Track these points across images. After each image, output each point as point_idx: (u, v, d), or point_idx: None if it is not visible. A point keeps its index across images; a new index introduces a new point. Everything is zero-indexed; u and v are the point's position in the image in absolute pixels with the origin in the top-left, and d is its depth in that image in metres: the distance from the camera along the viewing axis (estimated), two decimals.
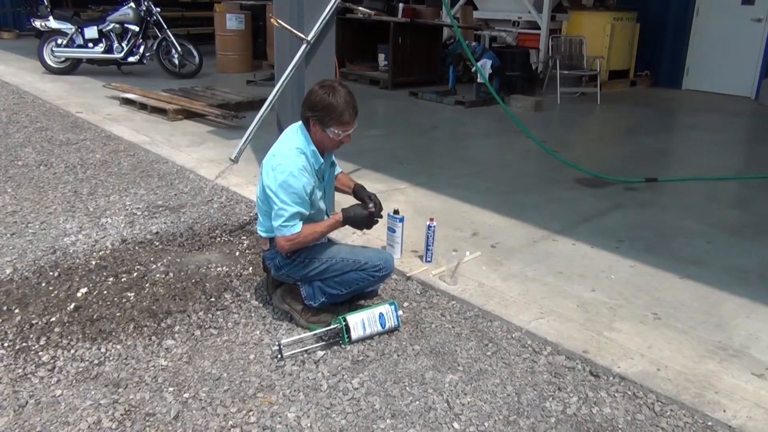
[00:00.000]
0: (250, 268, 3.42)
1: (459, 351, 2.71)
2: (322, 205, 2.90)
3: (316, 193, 2.78)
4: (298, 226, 2.67)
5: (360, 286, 2.89)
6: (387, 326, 2.79)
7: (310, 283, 2.86)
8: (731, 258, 3.68)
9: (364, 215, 2.80)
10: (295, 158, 2.66)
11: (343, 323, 2.69)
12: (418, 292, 3.22)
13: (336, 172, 3.11)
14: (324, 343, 2.70)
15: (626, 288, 3.25)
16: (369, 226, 2.85)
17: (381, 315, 2.76)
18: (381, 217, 2.88)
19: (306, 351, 2.66)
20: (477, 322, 2.95)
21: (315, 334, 2.72)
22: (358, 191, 3.04)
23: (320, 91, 2.64)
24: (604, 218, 4.30)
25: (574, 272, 3.42)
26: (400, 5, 10.47)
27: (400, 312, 2.86)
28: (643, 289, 3.25)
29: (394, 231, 3.46)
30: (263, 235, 2.89)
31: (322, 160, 2.78)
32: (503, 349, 2.74)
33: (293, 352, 2.64)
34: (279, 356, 2.60)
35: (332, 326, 2.71)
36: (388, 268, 2.90)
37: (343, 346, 2.70)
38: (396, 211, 3.46)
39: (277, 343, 2.64)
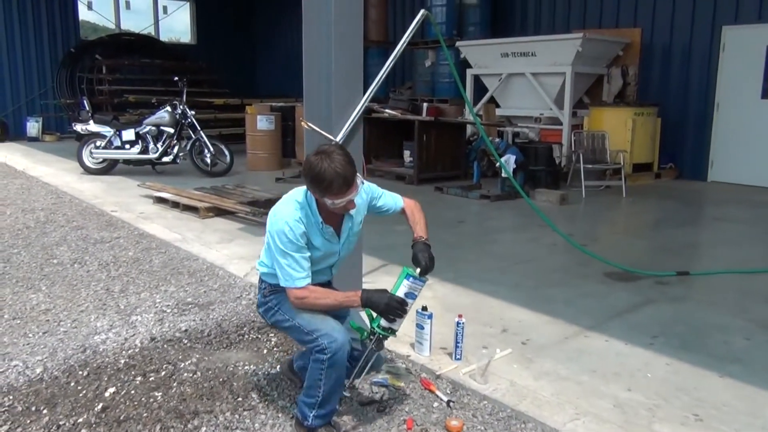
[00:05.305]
0: (278, 367, 3.39)
1: None
2: (323, 265, 2.76)
3: (314, 250, 2.67)
4: (302, 280, 2.57)
5: (323, 380, 2.56)
6: (418, 294, 2.71)
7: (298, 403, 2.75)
8: None
9: (383, 303, 2.55)
10: (294, 210, 2.61)
11: (379, 329, 2.61)
12: (449, 391, 3.14)
13: (390, 210, 2.98)
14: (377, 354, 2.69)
15: (664, 387, 3.14)
16: (387, 317, 2.58)
17: (407, 294, 2.64)
18: (404, 311, 2.62)
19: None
20: (510, 424, 2.86)
21: (365, 359, 2.66)
22: (415, 248, 2.82)
23: (313, 160, 2.49)
24: (637, 313, 4.21)
25: (609, 370, 3.33)
26: (424, 104, 10.83)
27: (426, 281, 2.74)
28: (682, 388, 3.13)
29: (422, 328, 3.43)
30: (257, 267, 2.83)
31: (320, 219, 2.64)
32: None
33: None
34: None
35: (372, 341, 2.63)
36: (332, 349, 2.51)
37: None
38: (424, 308, 3.44)
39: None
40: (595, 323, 3.98)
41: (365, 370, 2.67)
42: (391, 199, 2.99)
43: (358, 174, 2.58)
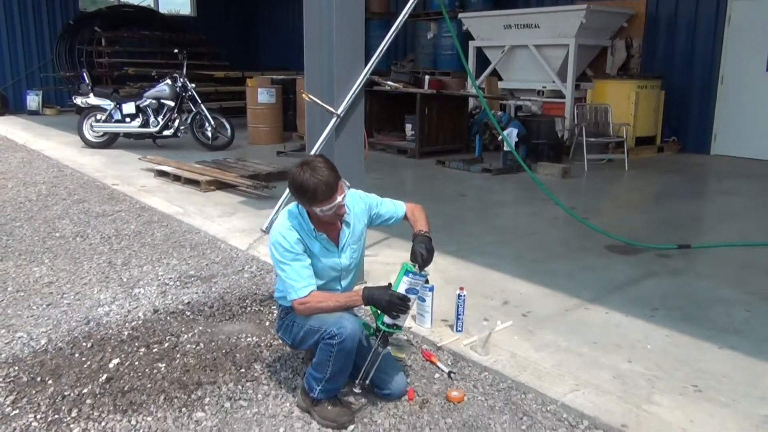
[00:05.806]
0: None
1: (493, 425, 2.65)
2: (328, 277, 2.79)
3: (315, 259, 2.72)
4: (304, 289, 2.61)
5: (331, 362, 2.58)
6: (420, 292, 2.74)
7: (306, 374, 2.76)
8: None
9: (384, 300, 2.57)
10: (285, 220, 2.69)
11: (383, 326, 2.62)
12: (450, 363, 3.17)
13: (392, 218, 2.98)
14: (385, 349, 2.68)
15: (664, 359, 3.16)
16: (390, 314, 2.60)
17: (408, 290, 2.64)
18: (407, 307, 2.62)
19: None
20: (510, 394, 2.88)
21: (372, 357, 2.66)
22: (414, 241, 2.80)
23: (295, 171, 2.56)
24: (637, 286, 4.23)
25: (609, 342, 3.35)
26: (426, 77, 10.73)
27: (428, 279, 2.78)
28: (682, 359, 3.15)
29: (423, 300, 3.45)
30: (274, 294, 2.86)
31: (312, 226, 2.69)
32: (538, 422, 2.67)
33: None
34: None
35: (378, 338, 2.64)
36: (342, 335, 2.53)
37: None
38: (426, 280, 3.45)
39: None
40: (596, 296, 4.00)
41: (372, 370, 2.67)
42: (392, 206, 3.00)
43: (343, 179, 2.62)
